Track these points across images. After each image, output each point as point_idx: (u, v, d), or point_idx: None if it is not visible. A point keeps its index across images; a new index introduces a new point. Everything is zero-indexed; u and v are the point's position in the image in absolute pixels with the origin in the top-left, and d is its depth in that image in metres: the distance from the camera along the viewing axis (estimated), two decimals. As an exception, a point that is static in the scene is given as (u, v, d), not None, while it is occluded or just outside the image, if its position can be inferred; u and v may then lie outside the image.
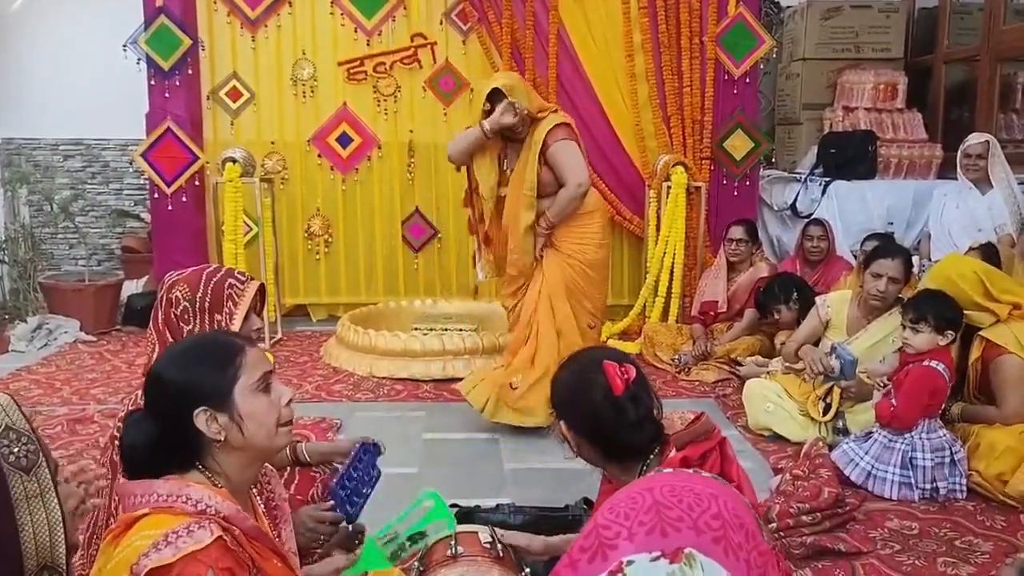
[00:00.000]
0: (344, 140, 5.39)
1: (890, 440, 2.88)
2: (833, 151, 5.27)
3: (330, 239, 5.51)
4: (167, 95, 5.10)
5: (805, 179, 5.29)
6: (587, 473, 3.10)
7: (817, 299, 3.62)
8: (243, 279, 1.97)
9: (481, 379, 3.55)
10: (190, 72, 5.13)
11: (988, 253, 3.71)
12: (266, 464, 1.61)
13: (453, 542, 1.81)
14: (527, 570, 1.82)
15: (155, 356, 1.96)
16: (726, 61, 5.10)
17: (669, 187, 4.86)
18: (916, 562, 2.39)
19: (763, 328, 4.36)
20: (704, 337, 4.48)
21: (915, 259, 4.40)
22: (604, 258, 3.52)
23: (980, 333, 2.98)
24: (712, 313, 4.63)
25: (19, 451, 1.09)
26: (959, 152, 4.51)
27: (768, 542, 1.18)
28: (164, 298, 1.93)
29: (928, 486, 2.81)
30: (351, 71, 5.32)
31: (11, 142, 6.24)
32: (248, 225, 5.11)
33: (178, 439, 1.38)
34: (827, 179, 5.17)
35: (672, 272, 4.90)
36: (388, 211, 5.50)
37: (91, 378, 4.29)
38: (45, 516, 1.11)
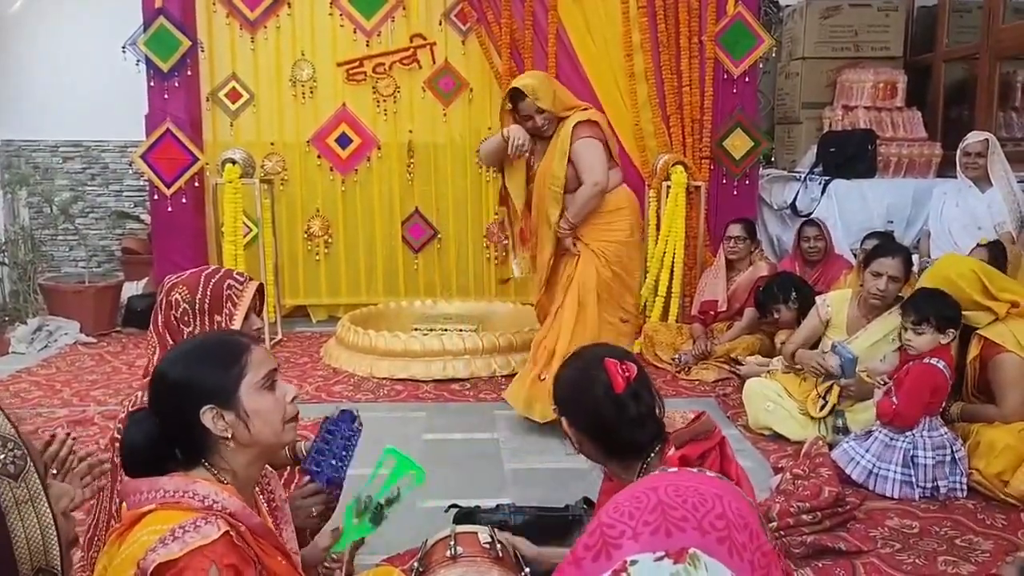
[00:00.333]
0: (343, 141, 5.40)
1: (891, 438, 2.88)
2: (833, 150, 5.27)
3: (330, 240, 5.51)
4: (166, 96, 5.11)
5: (805, 178, 5.29)
6: (587, 473, 3.10)
7: (817, 298, 3.62)
8: (242, 280, 1.97)
9: (518, 381, 3.58)
10: (189, 73, 5.13)
11: (996, 251, 3.70)
12: (267, 467, 1.62)
13: (453, 542, 1.81)
14: (527, 570, 1.82)
15: (155, 358, 1.96)
16: (725, 60, 5.09)
17: (669, 186, 4.86)
18: (917, 561, 2.39)
19: (763, 327, 4.36)
20: (704, 336, 4.48)
21: (915, 257, 4.40)
22: (633, 255, 3.53)
23: (978, 332, 2.98)
24: (712, 312, 4.63)
25: (5, 457, 1.09)
26: (958, 150, 4.51)
27: (770, 542, 1.18)
28: (163, 300, 1.93)
29: (929, 485, 2.81)
30: (350, 72, 5.32)
31: (11, 144, 6.24)
32: (248, 226, 5.12)
33: (183, 437, 1.40)
34: (827, 178, 5.17)
35: (672, 271, 4.90)
36: (388, 212, 5.50)
37: (91, 380, 4.29)
38: (36, 521, 1.11)
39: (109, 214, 6.37)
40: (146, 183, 5.49)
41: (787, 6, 6.15)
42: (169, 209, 5.15)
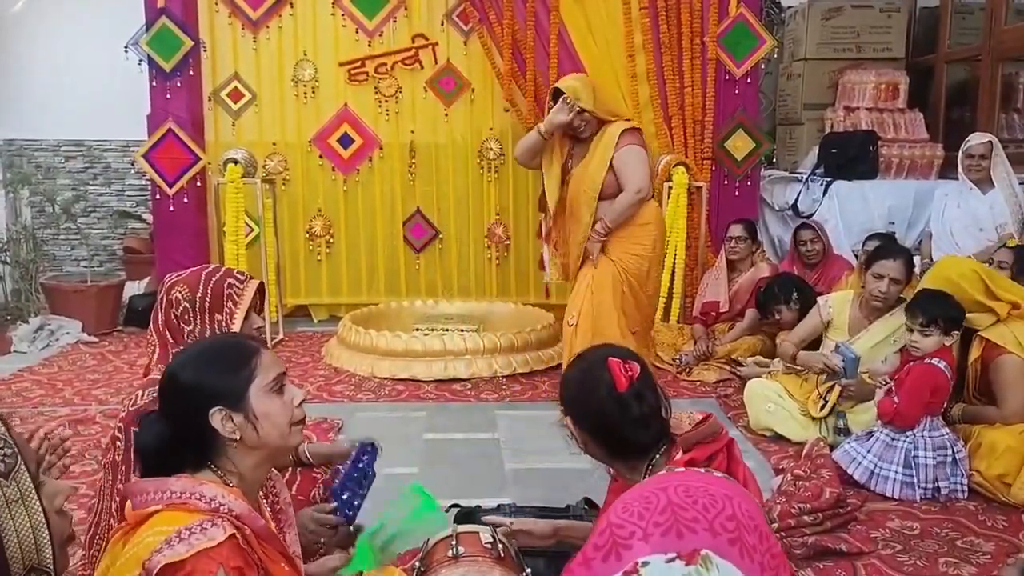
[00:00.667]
0: (345, 141, 5.40)
1: (892, 438, 2.88)
2: (834, 151, 5.26)
3: (331, 240, 5.51)
4: (168, 96, 5.11)
5: (806, 179, 5.28)
6: (588, 473, 3.11)
7: (819, 299, 3.62)
8: (242, 278, 1.97)
9: None
10: (191, 73, 5.14)
11: (1022, 254, 3.67)
12: (272, 469, 1.62)
13: (454, 542, 1.81)
14: (528, 570, 1.82)
15: (155, 358, 1.96)
16: (727, 61, 5.09)
17: (670, 187, 4.86)
18: (917, 562, 2.39)
19: (764, 328, 4.36)
20: (705, 337, 4.48)
21: (916, 259, 4.40)
22: (651, 271, 3.54)
23: (979, 333, 2.98)
24: (713, 313, 4.63)
25: None
26: (961, 152, 4.51)
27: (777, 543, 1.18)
28: (164, 299, 1.93)
29: (930, 485, 2.81)
30: (352, 72, 5.33)
31: (12, 143, 6.25)
32: (249, 226, 5.12)
33: (192, 439, 1.41)
34: (828, 179, 5.17)
35: (673, 272, 4.90)
36: (389, 212, 5.51)
37: (93, 379, 4.30)
38: (28, 519, 1.11)
39: (111, 213, 6.38)
40: (148, 182, 5.49)
41: (789, 7, 6.15)
42: (171, 209, 5.15)
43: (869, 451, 2.90)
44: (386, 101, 5.38)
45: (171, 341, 1.92)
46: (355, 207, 5.49)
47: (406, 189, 5.49)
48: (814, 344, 3.54)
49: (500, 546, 1.83)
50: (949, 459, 2.82)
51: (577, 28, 5.10)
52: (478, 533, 1.88)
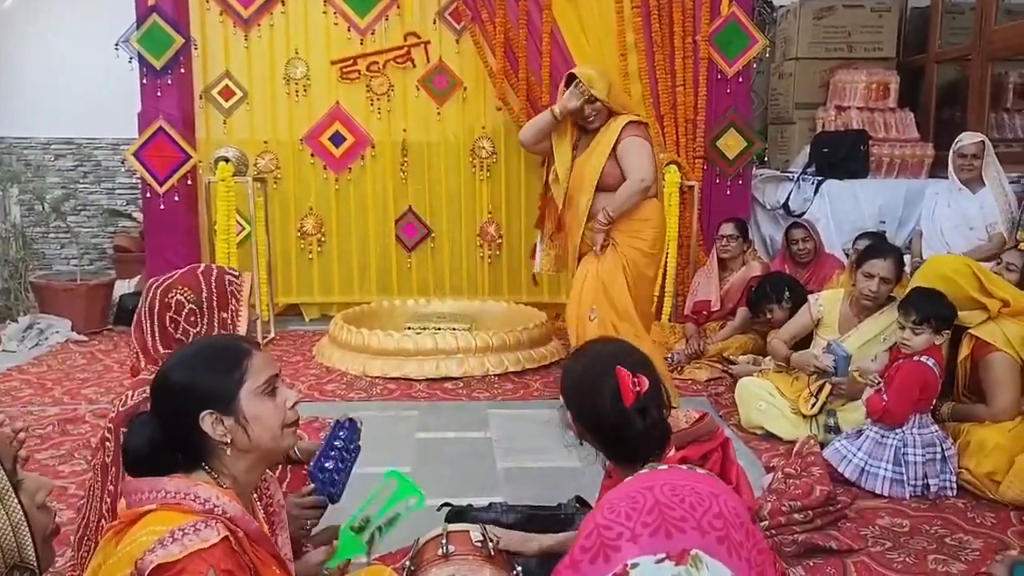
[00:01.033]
0: (337, 139, 5.39)
1: (882, 436, 2.89)
2: (826, 150, 5.28)
3: (323, 238, 5.50)
4: (159, 94, 5.09)
5: (798, 178, 5.30)
6: (580, 472, 3.10)
7: (809, 297, 3.63)
8: (236, 274, 1.96)
9: None
10: (182, 71, 5.12)
11: None
12: (267, 470, 1.62)
13: (444, 541, 1.81)
14: (518, 569, 1.82)
15: (142, 363, 1.93)
16: (719, 60, 5.10)
17: (662, 186, 4.86)
18: (907, 559, 2.40)
19: (755, 327, 4.37)
20: (697, 336, 4.49)
21: (907, 258, 4.42)
22: (648, 271, 3.52)
23: (969, 331, 2.99)
24: (705, 312, 4.65)
25: None
26: (952, 152, 4.53)
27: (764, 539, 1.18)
28: (159, 303, 1.88)
29: (919, 483, 2.82)
30: (344, 70, 5.32)
31: (2, 141, 6.22)
32: (241, 224, 5.10)
33: (184, 441, 1.40)
34: (820, 178, 5.19)
35: (665, 271, 4.90)
36: (381, 210, 5.50)
37: (82, 378, 4.28)
38: (7, 518, 1.10)
39: (101, 212, 6.35)
40: (138, 181, 5.47)
41: (781, 6, 6.17)
42: (162, 207, 5.13)
43: (859, 449, 2.91)
44: (378, 99, 5.37)
45: (159, 348, 1.88)
46: (347, 206, 5.47)
47: (398, 188, 5.48)
48: (804, 342, 3.55)
49: (490, 545, 1.83)
50: (938, 456, 2.84)
51: (569, 27, 5.10)
52: (468, 532, 1.88)
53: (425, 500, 1.73)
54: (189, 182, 5.17)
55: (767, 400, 3.42)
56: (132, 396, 1.86)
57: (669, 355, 4.42)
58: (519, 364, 4.33)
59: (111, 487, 1.83)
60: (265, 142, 5.39)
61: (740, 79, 5.18)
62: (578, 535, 1.15)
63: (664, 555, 1.05)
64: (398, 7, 5.29)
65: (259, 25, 5.28)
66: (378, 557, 2.16)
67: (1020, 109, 5.41)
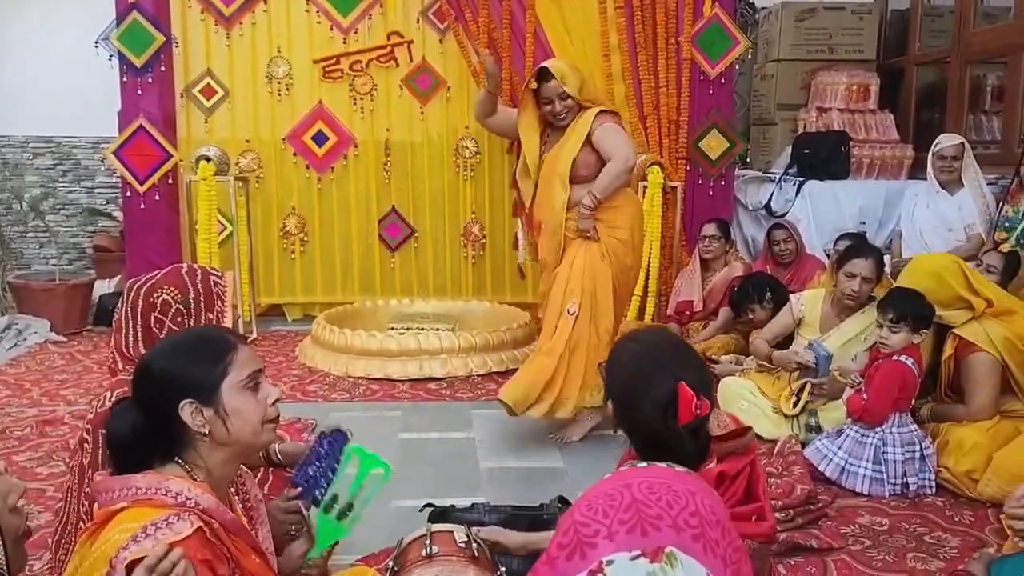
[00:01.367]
0: (320, 139, 5.36)
1: (862, 435, 2.92)
2: (807, 151, 5.32)
3: (306, 238, 5.47)
4: (140, 92, 5.04)
5: (779, 179, 5.33)
6: (563, 472, 3.12)
7: (791, 297, 3.66)
8: (220, 275, 1.95)
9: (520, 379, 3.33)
10: (163, 69, 5.07)
11: (1012, 259, 3.69)
12: (242, 467, 1.61)
13: (428, 542, 1.81)
14: (502, 570, 1.82)
15: (121, 366, 1.91)
16: (702, 61, 5.12)
17: (645, 187, 4.88)
18: (886, 557, 2.42)
19: (738, 327, 4.40)
20: (679, 336, 4.51)
21: (886, 258, 4.46)
22: (630, 262, 3.42)
23: (953, 331, 3.02)
24: (687, 312, 4.67)
25: None
26: (931, 154, 4.57)
27: (739, 538, 1.19)
28: (143, 303, 1.86)
29: (899, 481, 2.85)
30: (327, 69, 5.29)
31: (-21, 139, 6.14)
32: (222, 224, 5.07)
33: (162, 430, 1.40)
34: (801, 179, 5.22)
35: (648, 271, 4.92)
36: (364, 210, 5.48)
37: (61, 379, 4.23)
38: None
39: (80, 211, 6.29)
40: (118, 180, 5.41)
41: (763, 8, 6.20)
42: (142, 206, 5.08)
43: (840, 448, 2.94)
44: (361, 99, 5.35)
45: (141, 349, 1.86)
46: (330, 205, 5.45)
47: (381, 187, 5.46)
48: (786, 342, 3.58)
49: (474, 545, 1.83)
50: (917, 455, 2.87)
51: (553, 27, 5.10)
52: (452, 532, 1.88)
53: (391, 470, 1.72)
54: (170, 181, 5.12)
55: (749, 399, 3.44)
56: (110, 397, 1.84)
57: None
58: (503, 364, 4.32)
59: (88, 489, 1.81)
60: (247, 141, 5.35)
61: (722, 80, 5.20)
62: (556, 532, 1.15)
63: (639, 552, 1.05)
64: (381, 6, 5.27)
65: (241, 23, 5.24)
66: (361, 558, 2.16)
67: (998, 111, 5.48)
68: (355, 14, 5.27)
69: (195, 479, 1.39)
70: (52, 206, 6.08)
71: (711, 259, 4.66)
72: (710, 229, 4.65)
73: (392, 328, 4.65)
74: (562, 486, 2.79)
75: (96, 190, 6.34)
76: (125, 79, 5.04)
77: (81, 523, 1.80)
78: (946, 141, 4.54)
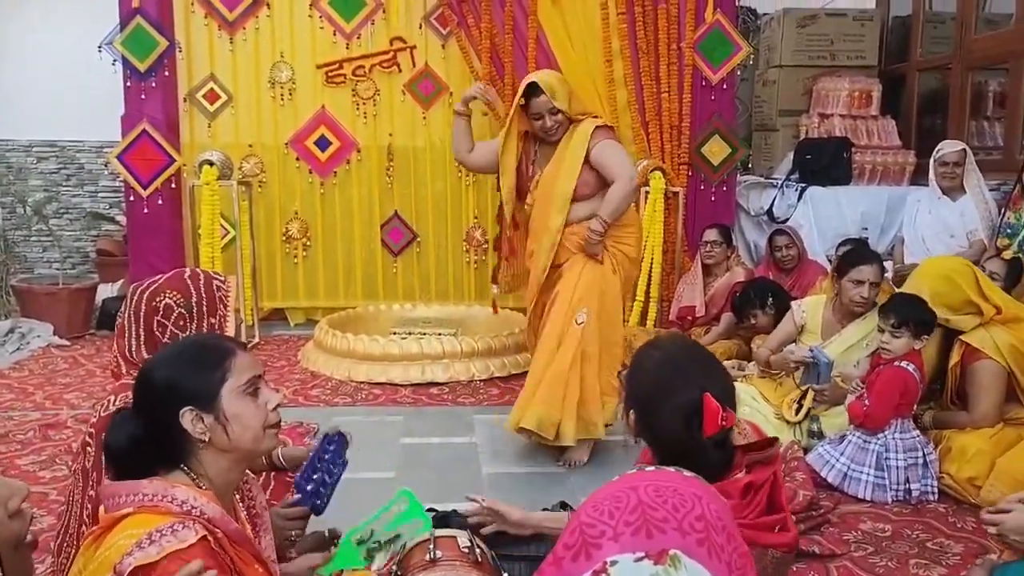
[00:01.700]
0: (323, 143, 5.38)
1: (864, 441, 2.91)
2: (809, 157, 5.32)
3: (308, 243, 5.48)
4: (143, 97, 5.06)
5: (781, 185, 5.34)
6: (565, 477, 3.11)
7: (792, 304, 3.66)
8: (223, 279, 1.95)
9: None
10: (167, 74, 5.09)
11: (1014, 266, 3.69)
12: (248, 472, 1.61)
13: (431, 546, 1.80)
14: (506, 575, 1.81)
15: (124, 369, 1.91)
16: (703, 67, 5.14)
17: (647, 192, 4.89)
18: (889, 564, 2.42)
19: (740, 332, 4.39)
20: (682, 341, 4.50)
21: (888, 264, 4.46)
22: (631, 277, 3.39)
23: (960, 338, 3.01)
24: (689, 318, 4.67)
25: None
26: (933, 160, 4.57)
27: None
28: (145, 307, 1.87)
29: (901, 487, 2.85)
30: (330, 74, 5.31)
31: (-17, 143, 6.16)
32: (225, 228, 5.08)
33: (164, 439, 1.40)
34: (803, 185, 5.22)
35: (650, 277, 4.92)
36: (367, 215, 5.49)
37: (64, 383, 4.24)
38: None
39: (84, 215, 6.30)
40: (122, 184, 5.43)
41: (764, 14, 6.22)
42: (145, 211, 5.10)
43: (842, 454, 2.94)
44: (364, 104, 5.37)
45: (144, 353, 1.86)
46: (332, 210, 5.46)
47: (384, 192, 5.47)
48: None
49: (478, 551, 1.83)
50: (920, 461, 2.86)
51: (555, 32, 5.12)
52: (456, 537, 1.87)
53: (431, 526, 1.73)
54: (173, 185, 5.14)
55: (751, 405, 3.43)
56: (114, 401, 1.85)
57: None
58: (505, 369, 4.33)
59: (91, 493, 1.81)
60: (250, 146, 5.37)
61: (724, 86, 5.22)
62: (563, 532, 1.16)
63: (643, 554, 1.06)
64: (384, 12, 5.29)
65: (244, 28, 5.26)
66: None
67: (1000, 117, 5.48)
68: (358, 19, 5.29)
69: (200, 487, 1.40)
70: (56, 210, 6.10)
71: (713, 264, 4.67)
72: (712, 235, 4.65)
73: (394, 332, 4.66)
74: (563, 491, 2.79)
75: (99, 194, 6.36)
76: (129, 84, 5.06)
77: (83, 527, 1.80)
78: (948, 147, 4.54)
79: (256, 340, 5.05)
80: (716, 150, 5.22)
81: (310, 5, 5.26)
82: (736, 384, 3.62)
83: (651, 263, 4.93)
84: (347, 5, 5.26)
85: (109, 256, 6.07)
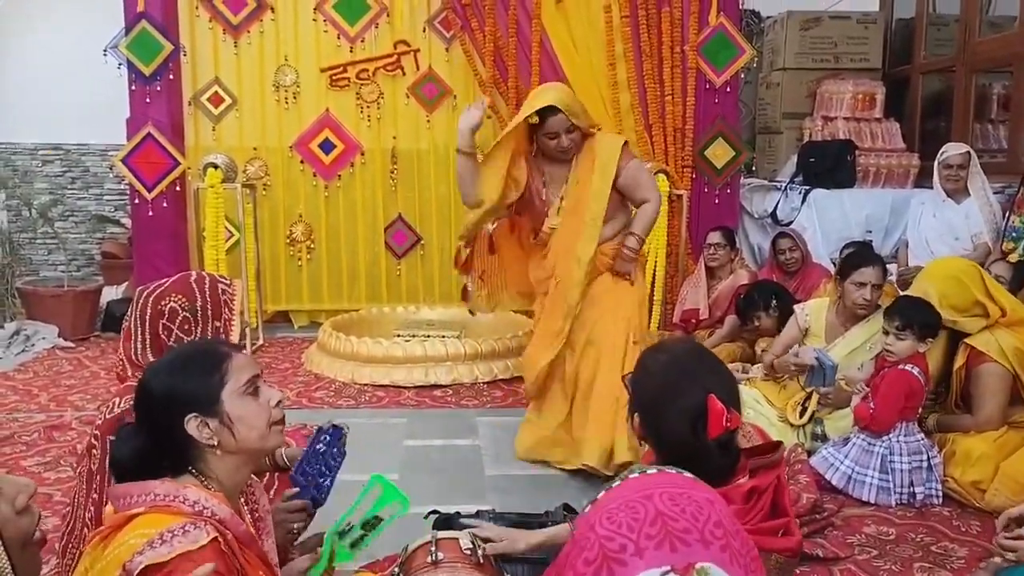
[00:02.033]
0: (327, 146, 5.39)
1: (869, 443, 2.91)
2: (812, 160, 5.32)
3: (312, 245, 5.49)
4: (148, 100, 5.08)
5: (785, 187, 5.33)
6: (567, 479, 3.11)
7: (796, 307, 3.65)
8: (229, 282, 1.96)
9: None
10: (171, 77, 5.11)
11: (1021, 270, 3.68)
12: (251, 476, 1.62)
13: (433, 548, 1.81)
14: (507, 576, 1.82)
15: (131, 373, 1.92)
16: (707, 70, 5.14)
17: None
18: (893, 567, 2.41)
19: (743, 335, 4.39)
20: (685, 344, 4.49)
21: (893, 267, 4.46)
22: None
23: (966, 340, 2.99)
24: (693, 320, 4.66)
25: None
26: (937, 163, 4.56)
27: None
28: (151, 310, 1.87)
29: (905, 491, 2.84)
30: (334, 77, 5.32)
31: (-11, 146, 6.18)
32: (230, 231, 5.09)
33: (169, 447, 1.40)
34: (807, 187, 5.22)
35: (654, 280, 4.92)
36: (371, 218, 5.50)
37: (69, 385, 4.25)
38: None
39: (89, 218, 6.32)
40: (127, 187, 5.45)
41: (768, 17, 6.21)
42: (150, 213, 5.11)
43: (846, 456, 2.93)
44: (368, 107, 5.38)
45: (149, 356, 1.86)
46: (336, 213, 5.47)
47: (388, 195, 5.48)
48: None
49: (480, 552, 1.83)
50: (924, 465, 2.86)
51: (559, 36, 5.13)
52: (457, 539, 1.88)
53: (409, 505, 1.73)
54: (178, 188, 5.15)
55: (755, 408, 3.43)
56: (119, 404, 1.85)
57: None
58: (508, 372, 4.33)
59: (95, 495, 1.82)
60: (254, 149, 5.38)
61: (728, 89, 5.22)
62: (575, 545, 1.12)
63: (669, 568, 1.03)
64: (388, 15, 5.30)
65: (249, 32, 5.28)
66: (366, 564, 2.16)
67: (1004, 120, 5.47)
68: (362, 23, 5.31)
69: (210, 488, 1.40)
70: (61, 213, 6.12)
71: (717, 267, 4.66)
72: (715, 237, 4.65)
73: (398, 335, 4.66)
74: (567, 494, 2.79)
75: (104, 197, 6.38)
76: (134, 87, 5.08)
77: (87, 528, 1.81)
78: (952, 150, 4.53)
79: (260, 342, 5.06)
80: (720, 153, 5.22)
81: (314, 9, 5.27)
82: (740, 387, 3.64)
83: (655, 266, 4.93)
84: (351, 9, 5.27)
85: (114, 259, 6.09)
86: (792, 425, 3.32)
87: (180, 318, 1.86)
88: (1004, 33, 5.22)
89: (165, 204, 5.11)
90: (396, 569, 1.82)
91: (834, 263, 4.59)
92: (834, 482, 2.92)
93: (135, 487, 1.34)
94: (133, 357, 1.89)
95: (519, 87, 5.09)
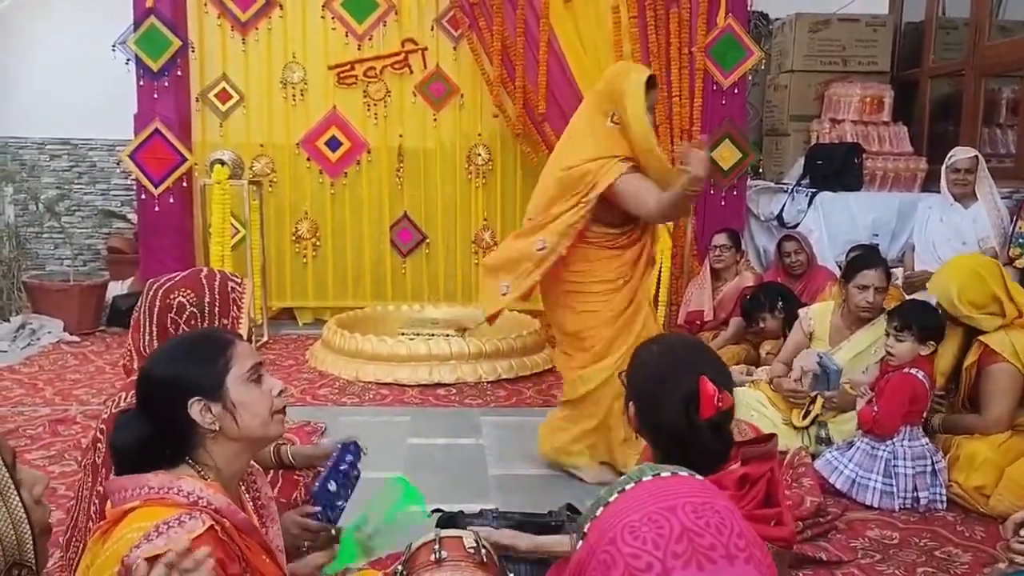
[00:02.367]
0: (333, 144, 5.39)
1: (873, 448, 2.90)
2: (820, 162, 5.31)
3: (318, 242, 5.50)
4: (156, 96, 5.09)
5: (792, 190, 5.32)
6: (571, 480, 3.11)
7: (800, 312, 3.64)
8: (238, 279, 1.95)
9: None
10: (179, 73, 5.12)
11: None
12: (252, 463, 1.62)
13: (437, 546, 1.81)
14: (511, 575, 1.82)
15: (136, 365, 1.92)
16: (715, 72, 5.13)
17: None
18: (896, 572, 2.41)
19: (748, 337, 4.38)
20: (690, 345, 4.48)
21: (899, 271, 4.44)
22: None
23: (979, 338, 2.97)
24: (698, 322, 4.66)
25: None
26: (945, 167, 4.55)
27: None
28: (159, 304, 1.87)
29: (909, 495, 2.84)
30: (341, 75, 5.33)
31: (-3, 140, 6.20)
32: (236, 227, 5.10)
33: (171, 434, 1.41)
34: (813, 190, 5.20)
35: (659, 281, 4.91)
36: (376, 215, 5.50)
37: (74, 379, 4.26)
38: (8, 514, 1.09)
39: (95, 213, 6.34)
40: (133, 182, 5.47)
41: (776, 19, 6.20)
42: (156, 209, 5.12)
43: (850, 460, 2.93)
44: (375, 105, 5.38)
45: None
46: (342, 210, 5.48)
47: (394, 193, 5.49)
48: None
49: (483, 551, 1.83)
50: (928, 469, 2.85)
51: (566, 36, 5.12)
52: (461, 538, 1.88)
53: (428, 514, 1.74)
54: (184, 184, 5.16)
55: (759, 410, 3.42)
56: (125, 398, 1.85)
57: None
58: (512, 371, 4.33)
59: (100, 489, 1.82)
60: (261, 145, 5.39)
61: (735, 91, 5.21)
62: (592, 555, 1.09)
63: None
64: (396, 13, 5.31)
65: (257, 29, 5.29)
66: (370, 562, 2.16)
67: (1012, 125, 5.45)
68: (370, 21, 5.31)
69: (206, 479, 1.40)
70: (67, 208, 6.14)
71: (722, 269, 4.66)
72: (721, 239, 4.64)
73: (402, 333, 4.66)
74: (570, 493, 2.78)
75: (111, 192, 6.40)
76: (141, 83, 5.09)
77: (91, 522, 1.81)
78: (960, 154, 4.52)
79: (264, 339, 5.07)
80: (727, 154, 5.21)
81: (322, 6, 5.28)
82: (744, 389, 3.65)
83: (660, 267, 4.92)
84: (359, 6, 5.28)
85: (120, 254, 6.10)
86: (796, 428, 3.32)
87: (187, 313, 1.85)
88: (1014, 37, 5.20)
89: (171, 200, 5.12)
90: (400, 567, 1.82)
91: (840, 266, 4.58)
92: (838, 486, 2.91)
93: (129, 481, 1.35)
94: (141, 349, 1.89)
95: (526, 87, 5.09)
